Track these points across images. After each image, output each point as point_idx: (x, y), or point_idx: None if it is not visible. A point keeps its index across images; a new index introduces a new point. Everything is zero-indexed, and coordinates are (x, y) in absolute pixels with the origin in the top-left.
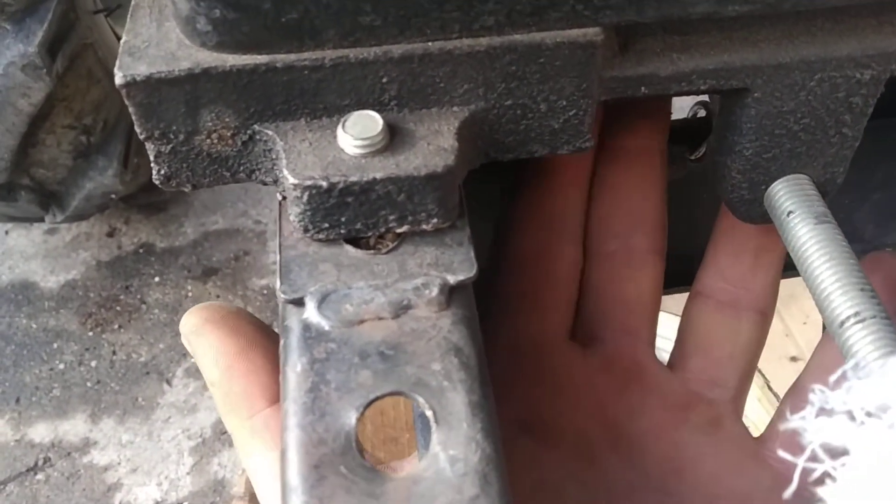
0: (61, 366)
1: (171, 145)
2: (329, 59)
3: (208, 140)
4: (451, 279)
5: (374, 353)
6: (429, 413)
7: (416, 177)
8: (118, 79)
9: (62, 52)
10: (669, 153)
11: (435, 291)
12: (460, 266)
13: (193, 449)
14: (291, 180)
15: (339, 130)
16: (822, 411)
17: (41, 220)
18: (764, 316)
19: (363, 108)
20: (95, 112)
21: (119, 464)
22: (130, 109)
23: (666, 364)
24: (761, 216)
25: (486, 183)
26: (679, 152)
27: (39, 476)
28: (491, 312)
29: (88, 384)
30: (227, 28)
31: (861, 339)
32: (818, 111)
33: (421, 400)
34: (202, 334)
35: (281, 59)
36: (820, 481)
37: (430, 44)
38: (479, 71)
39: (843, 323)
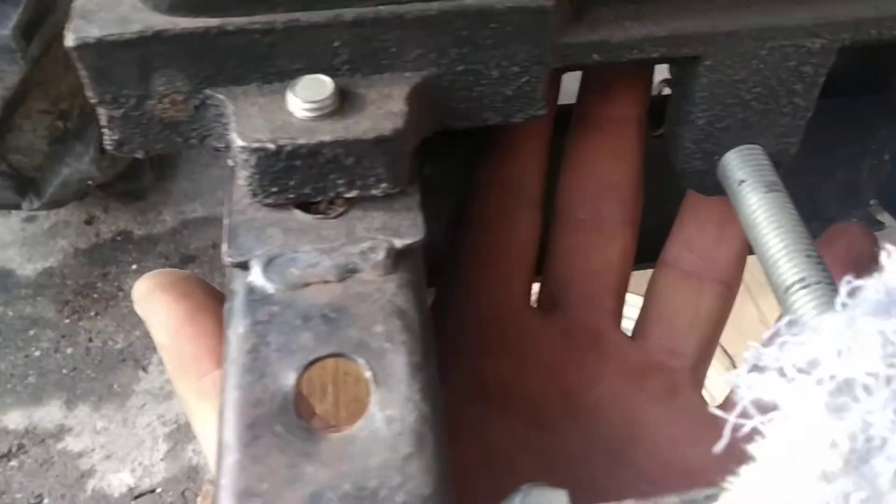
0: (37, 353)
1: (122, 110)
2: (280, 22)
3: (160, 105)
4: (398, 243)
5: (316, 315)
6: (368, 374)
7: (364, 140)
8: (69, 41)
9: (38, 36)
10: None
11: (381, 255)
12: (408, 230)
13: (168, 435)
14: (239, 143)
15: (289, 94)
16: (756, 368)
17: (18, 207)
18: (728, 288)
19: (315, 72)
20: (72, 97)
21: (93, 450)
22: (81, 73)
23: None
24: (714, 187)
25: (449, 154)
26: None
27: (13, 462)
28: (453, 279)
29: (64, 371)
30: None
31: (805, 304)
32: (770, 80)
33: (361, 361)
34: (152, 300)
35: (233, 22)
36: (749, 438)
37: (381, 7)
38: (430, 36)
39: (788, 289)
